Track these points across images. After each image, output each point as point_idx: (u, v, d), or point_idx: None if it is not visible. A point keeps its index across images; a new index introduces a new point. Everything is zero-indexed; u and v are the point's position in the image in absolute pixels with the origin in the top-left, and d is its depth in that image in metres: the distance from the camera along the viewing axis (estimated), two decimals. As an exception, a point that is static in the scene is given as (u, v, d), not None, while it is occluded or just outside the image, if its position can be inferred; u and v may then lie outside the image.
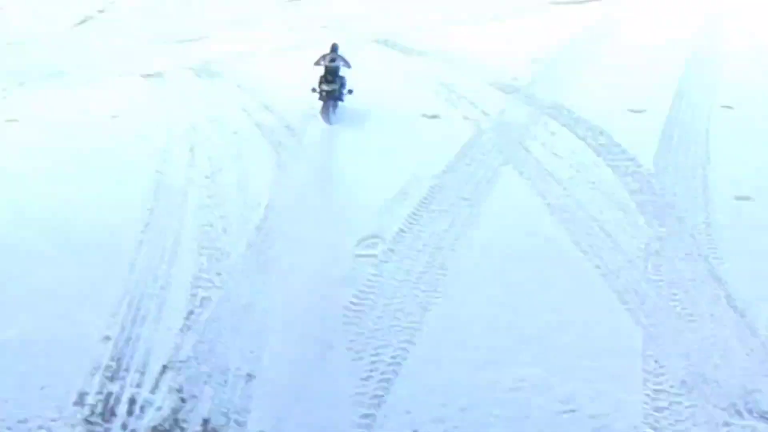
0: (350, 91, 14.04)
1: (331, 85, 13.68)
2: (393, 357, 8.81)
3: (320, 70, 13.94)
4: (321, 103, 13.92)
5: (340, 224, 11.21)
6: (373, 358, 8.78)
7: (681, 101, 15.04)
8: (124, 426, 8.20)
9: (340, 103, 13.95)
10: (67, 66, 17.14)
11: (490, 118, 14.39)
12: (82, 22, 20.23)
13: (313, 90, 13.86)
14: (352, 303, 9.60)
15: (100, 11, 21.10)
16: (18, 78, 16.35)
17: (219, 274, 10.16)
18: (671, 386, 8.59)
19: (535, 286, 9.93)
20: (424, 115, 14.49)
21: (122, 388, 8.56)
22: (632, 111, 14.56)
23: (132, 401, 8.44)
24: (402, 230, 11.06)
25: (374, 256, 10.49)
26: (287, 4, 20.93)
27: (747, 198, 11.93)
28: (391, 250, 10.62)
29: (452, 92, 15.43)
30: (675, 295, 9.86)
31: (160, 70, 16.85)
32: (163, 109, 14.95)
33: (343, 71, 14.03)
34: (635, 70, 16.24)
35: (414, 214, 11.45)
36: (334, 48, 14.11)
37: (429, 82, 15.89)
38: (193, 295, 9.76)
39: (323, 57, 13.96)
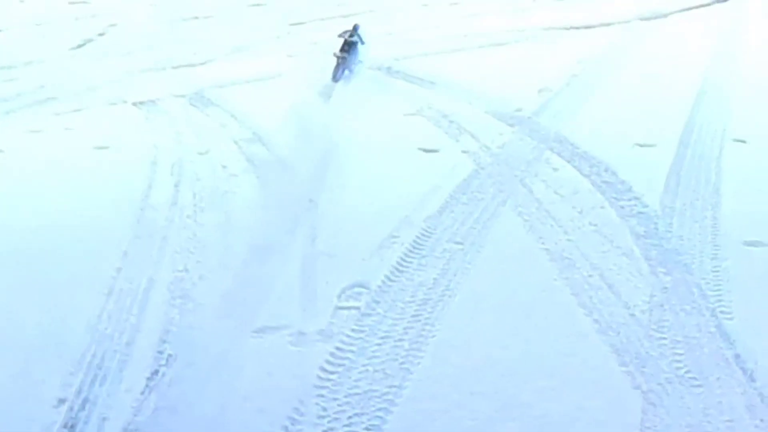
0: (360, 61, 17.08)
1: (344, 54, 16.90)
2: (367, 429, 8.11)
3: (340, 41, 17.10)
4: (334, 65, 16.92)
5: (324, 271, 10.57)
6: (346, 429, 8.10)
7: (691, 134, 14.36)
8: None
9: (347, 72, 16.88)
10: (58, 92, 16.61)
11: (490, 152, 13.74)
12: (80, 45, 19.72)
13: (334, 54, 16.89)
14: (327, 362, 8.92)
15: (100, 34, 20.59)
16: (4, 106, 15.82)
17: (190, 327, 9.52)
18: (672, 464, 7.91)
19: (527, 346, 9.23)
20: (420, 149, 13.87)
21: (72, 460, 7.94)
22: (640, 145, 13.91)
23: (82, 475, 7.84)
24: (389, 278, 10.41)
25: (357, 308, 9.82)
26: (290, 28, 20.40)
27: (759, 243, 11.21)
28: (376, 302, 9.95)
29: (452, 123, 14.79)
30: (679, 355, 9.14)
31: (152, 97, 16.31)
32: (152, 141, 14.36)
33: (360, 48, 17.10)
34: (644, 101, 15.58)
35: (403, 260, 10.79)
36: (356, 27, 17.21)
37: (429, 112, 15.27)
38: (160, 352, 9.11)
39: (345, 32, 17.17)
